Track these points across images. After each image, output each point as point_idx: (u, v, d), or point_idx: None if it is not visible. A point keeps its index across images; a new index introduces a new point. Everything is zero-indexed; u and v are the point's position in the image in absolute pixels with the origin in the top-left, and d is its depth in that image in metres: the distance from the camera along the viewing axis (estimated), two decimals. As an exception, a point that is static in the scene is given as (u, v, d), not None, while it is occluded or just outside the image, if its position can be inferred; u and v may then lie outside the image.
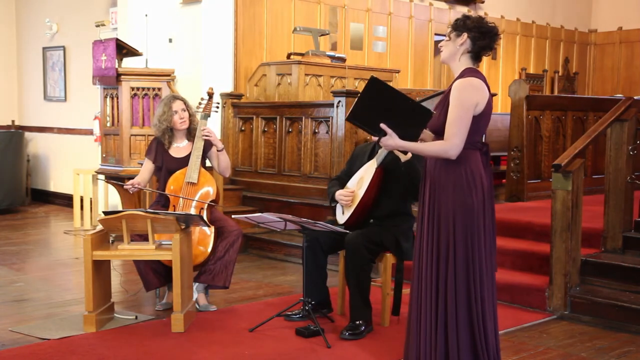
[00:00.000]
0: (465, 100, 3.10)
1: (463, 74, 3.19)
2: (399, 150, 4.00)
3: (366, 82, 3.18)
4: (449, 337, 3.15)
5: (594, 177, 7.21)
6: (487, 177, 3.21)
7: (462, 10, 10.91)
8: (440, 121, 3.15)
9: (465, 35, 3.18)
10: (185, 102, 4.90)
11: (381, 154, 4.22)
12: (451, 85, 3.20)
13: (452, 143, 3.10)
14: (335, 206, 4.46)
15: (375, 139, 3.27)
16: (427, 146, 3.17)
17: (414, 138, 3.18)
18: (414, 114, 3.13)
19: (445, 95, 3.21)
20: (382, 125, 3.14)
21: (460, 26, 3.19)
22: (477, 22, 3.21)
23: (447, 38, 3.24)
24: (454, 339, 3.14)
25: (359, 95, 3.24)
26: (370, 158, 4.35)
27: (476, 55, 3.22)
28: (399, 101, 3.13)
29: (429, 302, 3.20)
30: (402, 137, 3.15)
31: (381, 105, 3.14)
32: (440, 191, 3.18)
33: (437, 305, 3.17)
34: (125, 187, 4.87)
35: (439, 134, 3.19)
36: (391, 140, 3.16)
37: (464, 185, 3.14)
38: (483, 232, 3.17)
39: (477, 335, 3.15)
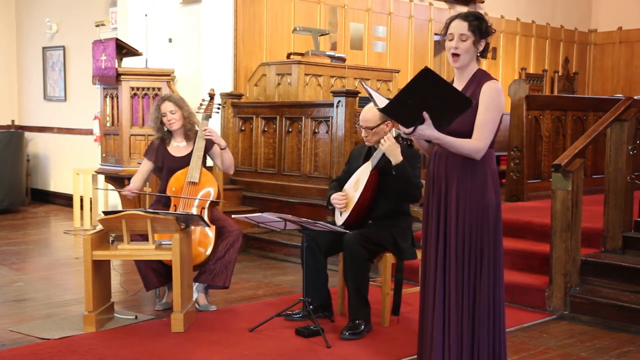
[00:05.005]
0: (500, 104, 3.11)
1: (482, 76, 3.14)
2: (393, 154, 4.04)
3: (418, 72, 2.94)
4: (475, 335, 3.12)
5: (594, 177, 7.21)
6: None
7: (462, 10, 10.91)
8: (465, 121, 3.07)
9: (484, 42, 3.12)
10: (177, 102, 4.83)
11: (376, 156, 4.22)
12: (473, 85, 3.12)
13: (483, 145, 3.09)
14: (332, 209, 4.48)
15: (405, 130, 3.05)
16: (459, 142, 3.07)
17: (445, 128, 3.03)
18: (455, 103, 2.97)
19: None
20: (425, 115, 2.96)
21: (483, 32, 3.10)
22: (489, 26, 3.14)
23: (461, 39, 3.08)
24: (485, 337, 3.12)
25: (406, 86, 2.97)
26: (365, 160, 4.37)
27: (479, 57, 3.19)
28: (445, 91, 2.94)
29: (456, 301, 3.14)
30: (435, 127, 3.01)
31: (425, 95, 2.94)
32: (467, 191, 3.13)
33: (468, 304, 3.13)
34: (123, 193, 4.88)
35: (459, 134, 3.09)
36: (428, 130, 2.99)
37: (489, 184, 3.14)
38: (501, 230, 3.19)
39: (497, 332, 3.16)
